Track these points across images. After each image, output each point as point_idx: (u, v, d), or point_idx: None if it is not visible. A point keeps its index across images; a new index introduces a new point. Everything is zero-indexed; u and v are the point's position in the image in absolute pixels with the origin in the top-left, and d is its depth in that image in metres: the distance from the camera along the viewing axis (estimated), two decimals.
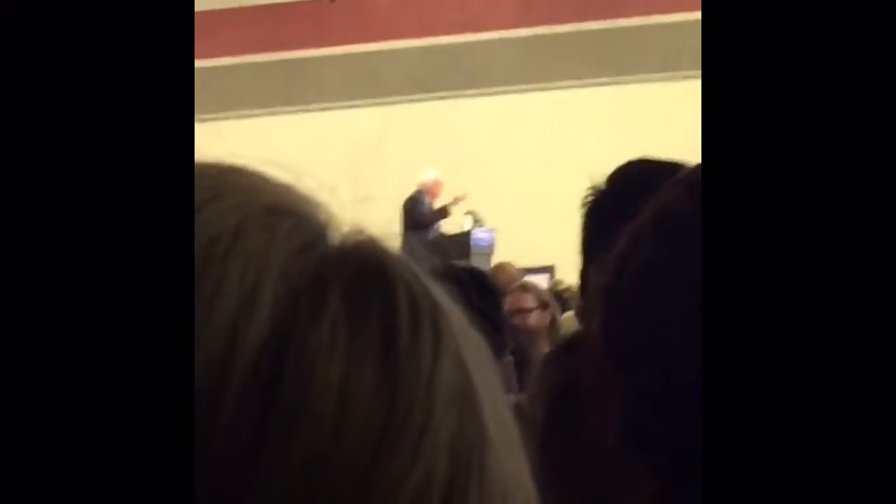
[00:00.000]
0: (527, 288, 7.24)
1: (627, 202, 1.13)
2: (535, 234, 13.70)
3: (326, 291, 0.60)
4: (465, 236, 13.14)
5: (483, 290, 3.42)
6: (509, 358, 5.04)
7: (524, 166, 15.58)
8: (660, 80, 15.57)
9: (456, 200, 13.60)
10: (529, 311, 6.84)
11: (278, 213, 0.63)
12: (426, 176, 13.80)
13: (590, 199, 2.14)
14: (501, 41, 16.43)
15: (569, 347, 1.66)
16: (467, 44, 16.54)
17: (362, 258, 0.63)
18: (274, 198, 0.64)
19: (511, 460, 0.64)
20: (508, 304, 6.65)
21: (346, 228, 0.65)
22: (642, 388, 1.05)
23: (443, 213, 13.67)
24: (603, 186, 2.13)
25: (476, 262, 11.65)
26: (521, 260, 11.72)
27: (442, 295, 0.64)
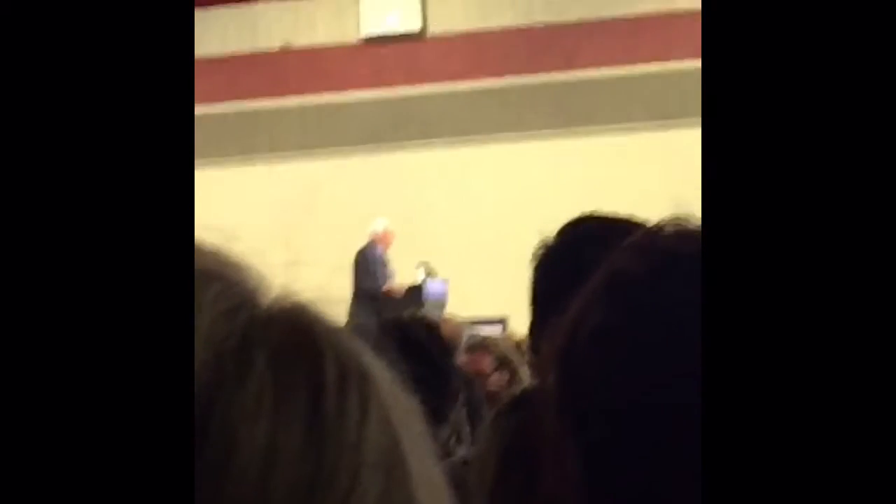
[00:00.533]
0: (486, 347, 6.91)
1: (577, 258, 1.15)
2: (489, 285, 13.71)
3: (252, 355, 0.61)
4: (418, 288, 13.13)
5: (431, 339, 3.42)
6: (461, 410, 5.02)
7: (477, 218, 15.61)
8: (612, 132, 15.66)
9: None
10: (488, 375, 6.54)
11: (206, 278, 0.64)
12: (377, 226, 13.79)
13: (539, 253, 2.15)
14: (454, 94, 16.50)
15: (520, 402, 1.66)
16: (420, 96, 16.60)
17: (290, 322, 0.63)
18: (202, 263, 0.65)
19: None
20: (466, 365, 6.48)
21: (275, 293, 0.66)
22: (596, 447, 1.06)
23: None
24: (552, 241, 2.14)
25: (429, 313, 11.64)
26: (474, 311, 11.72)
27: (371, 358, 0.65)
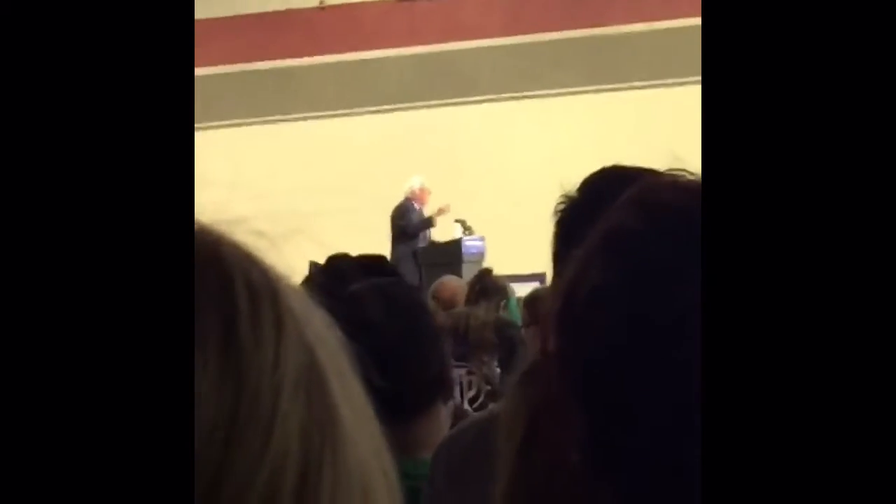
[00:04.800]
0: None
1: (597, 210, 1.11)
2: (526, 241, 13.67)
3: None
4: (455, 244, 13.12)
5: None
6: (489, 366, 5.04)
7: (514, 174, 15.57)
8: (648, 87, 15.57)
9: (441, 211, 13.53)
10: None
11: None
12: (412, 183, 13.77)
13: (561, 206, 2.13)
14: (490, 49, 16.43)
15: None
16: (457, 52, 16.54)
17: (196, 250, 0.62)
18: None
19: (365, 435, 0.65)
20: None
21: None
22: (597, 411, 1.04)
23: (428, 223, 13.62)
24: (574, 195, 2.12)
25: (467, 270, 11.64)
26: (511, 267, 11.70)
27: (280, 275, 0.64)
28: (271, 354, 0.61)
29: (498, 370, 5.57)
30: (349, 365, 0.66)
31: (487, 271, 9.04)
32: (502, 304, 8.17)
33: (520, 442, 1.49)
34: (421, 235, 13.54)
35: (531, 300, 7.07)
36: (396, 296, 2.57)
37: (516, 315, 7.72)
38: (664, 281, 1.00)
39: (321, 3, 17.09)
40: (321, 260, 2.78)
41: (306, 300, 0.65)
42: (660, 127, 14.24)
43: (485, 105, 16.39)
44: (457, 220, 13.53)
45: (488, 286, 7.92)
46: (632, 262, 1.05)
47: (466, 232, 13.45)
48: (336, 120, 16.67)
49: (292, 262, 0.65)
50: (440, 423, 2.50)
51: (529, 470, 1.42)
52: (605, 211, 1.10)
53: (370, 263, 3.18)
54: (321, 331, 0.65)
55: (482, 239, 13.36)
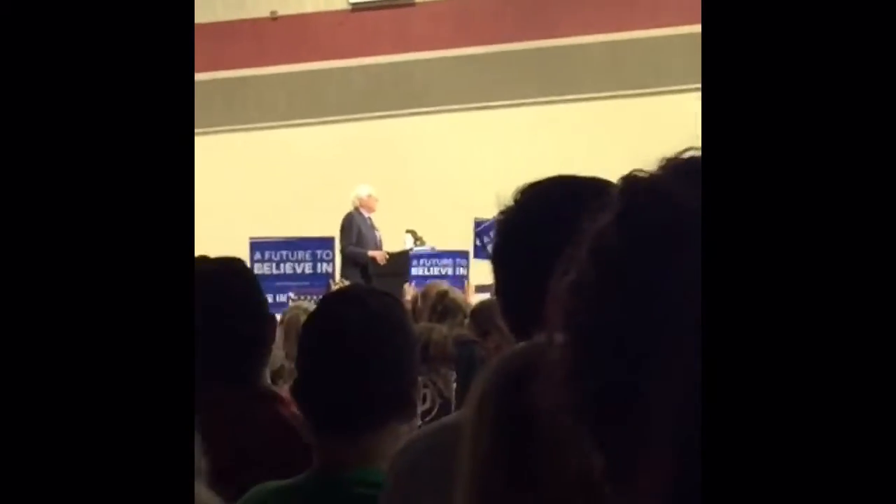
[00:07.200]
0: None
1: (537, 218, 1.09)
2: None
3: None
4: (405, 255, 13.11)
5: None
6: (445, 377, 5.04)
7: (465, 185, 15.59)
8: (598, 98, 15.63)
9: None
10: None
11: None
12: (360, 192, 13.70)
13: (502, 214, 2.13)
14: (442, 60, 16.45)
15: (519, 366, 1.57)
16: (408, 62, 16.55)
17: None
18: None
19: None
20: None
21: None
22: (610, 407, 1.01)
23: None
24: (512, 204, 2.11)
25: (417, 281, 11.64)
26: None
27: None
28: None
29: (455, 385, 5.59)
30: None
31: (445, 292, 9.01)
32: (464, 322, 8.16)
33: (485, 449, 1.48)
34: (373, 244, 13.47)
35: (477, 312, 7.06)
36: (374, 307, 2.55)
37: None
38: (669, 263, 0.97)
39: (273, 13, 17.06)
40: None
41: None
42: (613, 138, 14.30)
43: (436, 116, 16.40)
44: (408, 231, 13.51)
45: (449, 306, 7.94)
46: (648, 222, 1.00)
47: (417, 243, 13.43)
48: (287, 130, 16.64)
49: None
50: (397, 439, 2.48)
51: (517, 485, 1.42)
52: (546, 218, 1.07)
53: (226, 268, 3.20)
54: None
55: (433, 250, 13.35)
